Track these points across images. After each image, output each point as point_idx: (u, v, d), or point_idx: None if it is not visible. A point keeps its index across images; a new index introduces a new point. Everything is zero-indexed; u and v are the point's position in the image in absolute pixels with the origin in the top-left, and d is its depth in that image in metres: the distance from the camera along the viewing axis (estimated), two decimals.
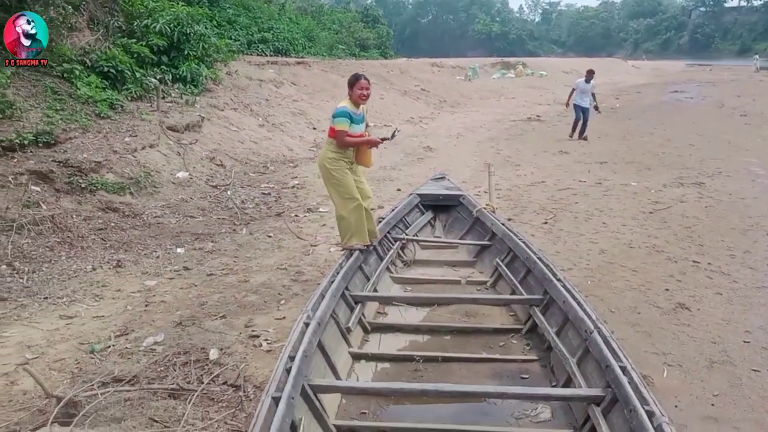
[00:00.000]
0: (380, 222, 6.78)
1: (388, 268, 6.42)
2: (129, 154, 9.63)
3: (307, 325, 4.16)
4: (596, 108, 17.32)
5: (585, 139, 16.72)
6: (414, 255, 6.95)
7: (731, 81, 43.72)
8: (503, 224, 6.84)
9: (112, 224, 7.84)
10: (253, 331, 5.16)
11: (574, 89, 17.00)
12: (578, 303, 4.62)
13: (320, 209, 9.17)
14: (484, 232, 7.22)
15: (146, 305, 5.71)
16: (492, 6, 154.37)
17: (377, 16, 46.93)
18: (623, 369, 3.60)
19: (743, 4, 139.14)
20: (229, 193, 9.82)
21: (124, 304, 5.75)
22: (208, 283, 6.26)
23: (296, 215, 8.85)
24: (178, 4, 14.51)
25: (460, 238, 7.52)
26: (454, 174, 11.13)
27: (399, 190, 10.52)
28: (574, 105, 16.85)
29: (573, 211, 9.26)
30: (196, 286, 6.17)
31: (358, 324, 5.20)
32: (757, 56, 62.71)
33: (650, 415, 3.11)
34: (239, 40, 22.43)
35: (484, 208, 7.41)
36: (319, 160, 6.07)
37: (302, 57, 24.91)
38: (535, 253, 5.81)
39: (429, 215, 8.07)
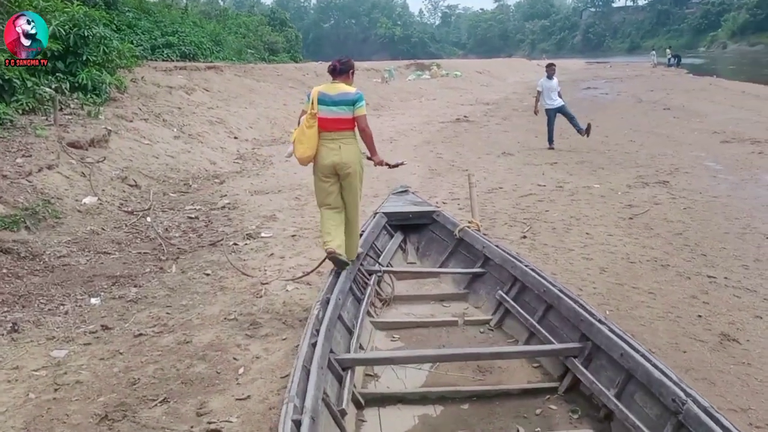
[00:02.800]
0: None
1: (368, 312, 5.11)
2: (22, 179, 7.91)
3: (297, 424, 2.91)
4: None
5: (587, 131, 14.23)
6: (393, 290, 5.65)
7: (636, 76, 44.70)
8: (497, 246, 5.65)
9: (5, 271, 6.13)
10: (209, 422, 3.75)
11: (539, 92, 14.57)
12: (643, 356, 3.49)
13: (262, 234, 7.72)
14: (472, 257, 5.99)
15: (56, 389, 4.17)
16: (393, 10, 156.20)
17: (284, 20, 45.39)
18: None
19: (630, 3, 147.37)
20: (148, 219, 8.23)
21: (24, 389, 4.18)
22: (137, 348, 4.74)
23: (235, 244, 7.36)
24: (73, 4, 12.70)
25: (442, 264, 6.27)
26: (400, 183, 9.96)
27: None
28: (546, 109, 14.52)
29: (548, 221, 8.23)
30: (121, 354, 4.64)
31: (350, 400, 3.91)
32: (654, 52, 64.88)
33: None
34: (142, 45, 20.52)
35: (468, 227, 6.20)
36: (353, 159, 5.19)
37: (211, 62, 23.15)
38: (553, 284, 4.65)
39: (399, 237, 6.80)
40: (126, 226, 8.02)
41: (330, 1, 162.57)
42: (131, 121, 12.23)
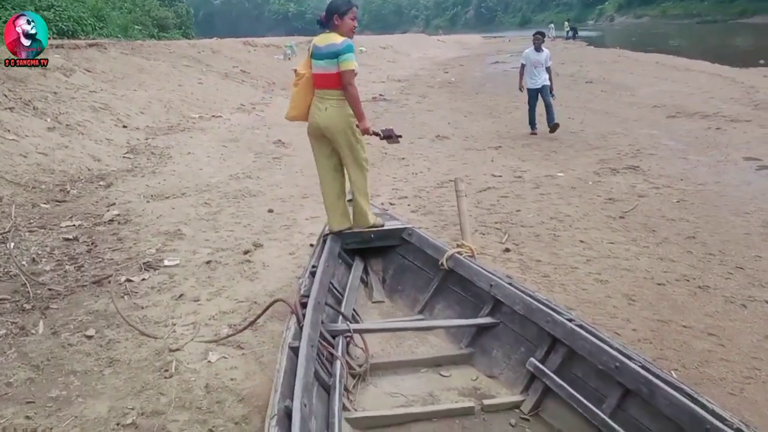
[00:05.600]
0: (304, 303, 3.73)
1: (344, 406, 3.35)
2: None
3: None
4: (550, 91, 12.01)
5: (553, 129, 11.81)
6: (369, 357, 3.89)
7: None
8: (512, 284, 3.98)
9: None
10: None
11: (523, 65, 12.20)
12: None
13: (165, 262, 5.78)
14: (472, 298, 4.30)
15: None
16: None
17: None
18: None
19: None
20: (10, 245, 6.13)
21: None
22: None
23: (128, 280, 5.36)
24: None
25: (426, 306, 4.54)
26: None
27: (271, 211, 7.41)
28: (527, 89, 12.17)
29: (525, 225, 6.72)
30: None
31: None
32: (552, 25, 64.94)
33: None
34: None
35: (458, 253, 4.53)
36: (337, 124, 4.73)
37: (93, 39, 20.44)
38: (626, 354, 3.05)
39: (359, 266, 5.05)
40: None
41: None
42: None
